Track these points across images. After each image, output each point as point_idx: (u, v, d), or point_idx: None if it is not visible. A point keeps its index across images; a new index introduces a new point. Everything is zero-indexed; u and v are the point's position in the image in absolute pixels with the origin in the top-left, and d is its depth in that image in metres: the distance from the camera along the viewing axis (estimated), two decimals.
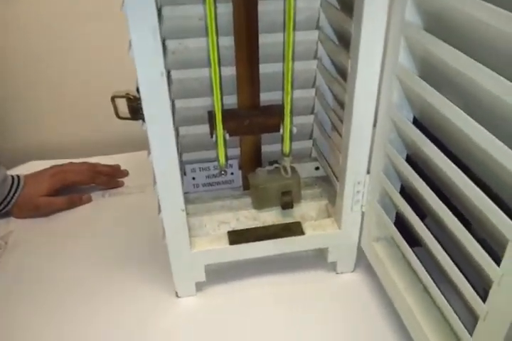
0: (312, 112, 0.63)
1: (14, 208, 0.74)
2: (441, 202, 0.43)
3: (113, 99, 0.48)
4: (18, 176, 0.75)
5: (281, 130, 0.56)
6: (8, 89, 0.94)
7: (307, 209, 0.63)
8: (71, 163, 0.81)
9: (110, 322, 0.59)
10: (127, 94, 0.47)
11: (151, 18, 0.41)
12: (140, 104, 0.45)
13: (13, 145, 0.95)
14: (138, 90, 0.45)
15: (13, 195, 0.73)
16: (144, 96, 0.45)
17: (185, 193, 0.57)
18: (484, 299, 0.38)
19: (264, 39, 0.52)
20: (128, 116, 0.47)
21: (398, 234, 0.53)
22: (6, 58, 0.91)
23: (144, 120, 0.47)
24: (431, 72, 0.45)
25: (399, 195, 0.52)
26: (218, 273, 0.62)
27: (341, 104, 0.54)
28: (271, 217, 0.62)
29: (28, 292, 0.63)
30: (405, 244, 0.52)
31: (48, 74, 0.93)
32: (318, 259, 0.65)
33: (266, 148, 0.62)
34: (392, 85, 0.48)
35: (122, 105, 0.49)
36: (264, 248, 0.59)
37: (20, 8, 0.86)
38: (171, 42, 0.51)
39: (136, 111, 0.46)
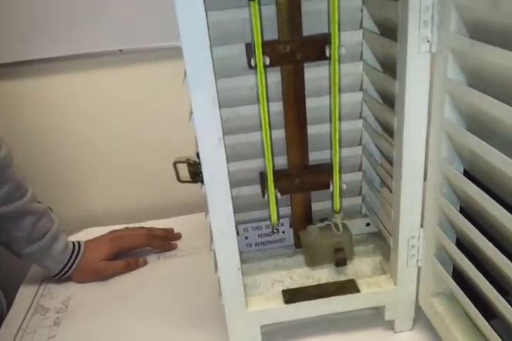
0: (360, 169, 0.65)
1: (75, 273, 0.76)
2: (501, 254, 0.43)
3: (175, 164, 0.52)
4: (78, 242, 0.78)
5: (330, 187, 0.57)
6: (64, 157, 0.99)
7: (361, 266, 0.62)
8: (127, 228, 0.84)
9: None
10: (188, 159, 0.50)
11: (211, 90, 0.45)
12: (200, 167, 0.48)
13: (68, 213, 0.99)
14: (198, 155, 0.48)
15: (74, 260, 0.76)
16: (203, 160, 0.48)
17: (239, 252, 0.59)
18: None
19: (311, 102, 0.56)
20: (188, 179, 0.50)
21: (458, 288, 0.52)
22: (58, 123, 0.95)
23: (203, 182, 0.50)
24: (477, 125, 0.46)
25: (456, 248, 0.51)
26: (274, 334, 0.61)
27: (389, 160, 0.55)
28: (324, 274, 0.62)
29: None
30: (466, 298, 0.50)
31: (106, 145, 0.98)
32: (375, 317, 0.63)
33: (316, 206, 0.63)
34: (440, 140, 0.49)
35: (181, 170, 0.53)
36: (320, 307, 0.59)
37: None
38: (225, 111, 0.55)
39: (196, 174, 0.49)
